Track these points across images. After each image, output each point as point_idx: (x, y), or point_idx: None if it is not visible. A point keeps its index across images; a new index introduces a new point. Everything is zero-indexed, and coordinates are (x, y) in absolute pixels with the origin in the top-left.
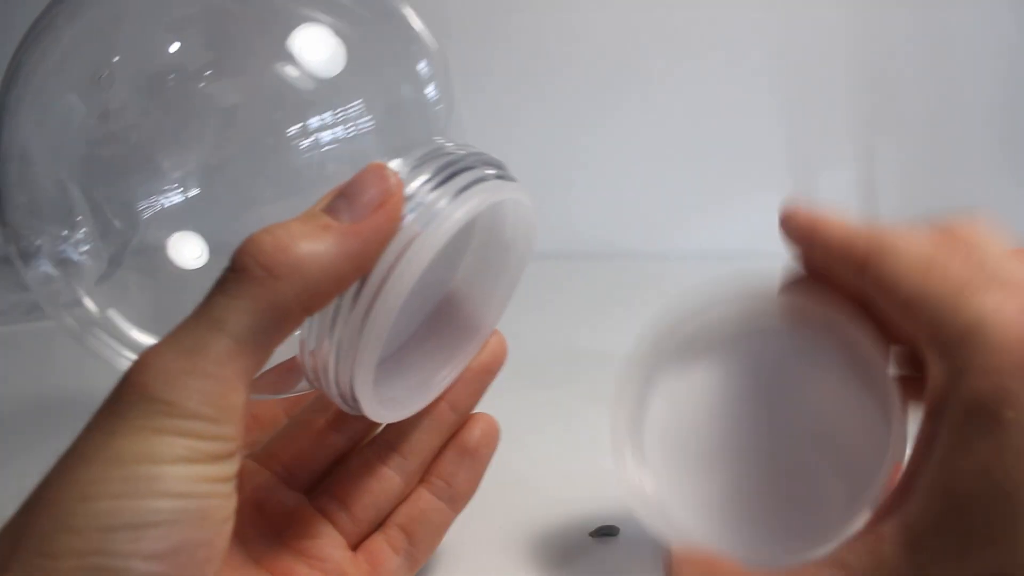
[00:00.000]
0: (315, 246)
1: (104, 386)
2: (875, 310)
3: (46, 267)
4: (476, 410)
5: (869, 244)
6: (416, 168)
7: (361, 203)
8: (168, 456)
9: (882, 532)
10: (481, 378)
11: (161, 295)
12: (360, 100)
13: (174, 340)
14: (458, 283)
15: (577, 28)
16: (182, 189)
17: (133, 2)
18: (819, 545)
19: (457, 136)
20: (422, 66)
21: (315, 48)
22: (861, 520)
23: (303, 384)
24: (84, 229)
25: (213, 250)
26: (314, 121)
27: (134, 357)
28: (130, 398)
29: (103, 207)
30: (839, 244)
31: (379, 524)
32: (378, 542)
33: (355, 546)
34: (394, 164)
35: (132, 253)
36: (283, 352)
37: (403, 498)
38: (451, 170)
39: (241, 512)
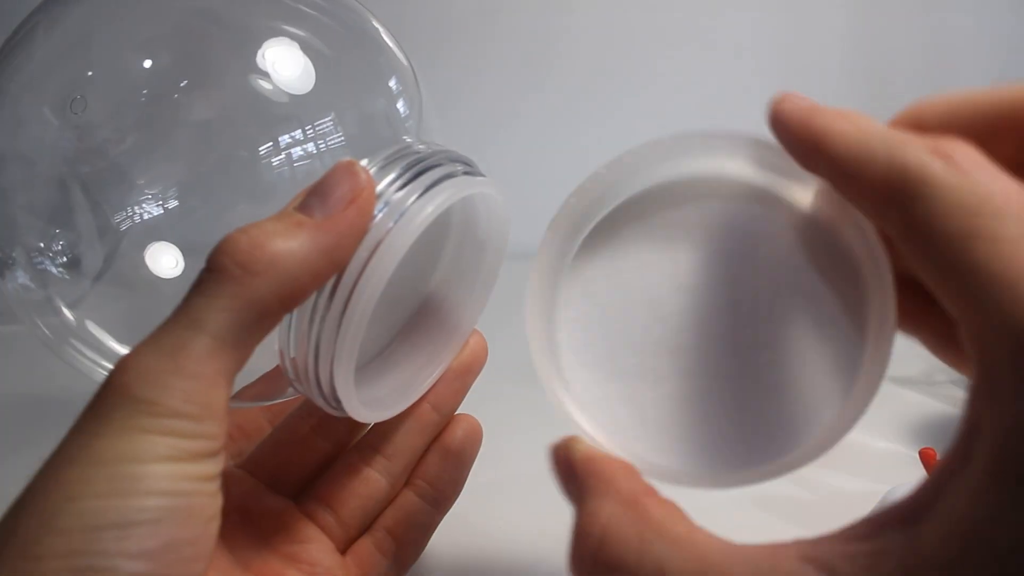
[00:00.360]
0: (289, 243)
1: (90, 388)
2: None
3: (23, 279)
4: (479, 411)
5: (898, 172)
6: (384, 167)
7: (333, 199)
8: (152, 455)
9: (884, 546)
10: (463, 378)
11: (139, 306)
12: (331, 115)
13: (154, 341)
14: (437, 284)
15: (576, 28)
16: (158, 202)
17: (107, 19)
18: (764, 466)
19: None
20: (392, 82)
21: (287, 64)
22: (816, 448)
23: (288, 391)
24: (62, 241)
25: (190, 261)
26: (285, 137)
27: (111, 368)
28: (113, 399)
29: (80, 220)
30: (854, 164)
31: (366, 527)
32: (366, 545)
33: (343, 549)
34: (363, 163)
35: (110, 265)
36: (268, 362)
37: (389, 500)
38: (419, 167)
39: (228, 518)
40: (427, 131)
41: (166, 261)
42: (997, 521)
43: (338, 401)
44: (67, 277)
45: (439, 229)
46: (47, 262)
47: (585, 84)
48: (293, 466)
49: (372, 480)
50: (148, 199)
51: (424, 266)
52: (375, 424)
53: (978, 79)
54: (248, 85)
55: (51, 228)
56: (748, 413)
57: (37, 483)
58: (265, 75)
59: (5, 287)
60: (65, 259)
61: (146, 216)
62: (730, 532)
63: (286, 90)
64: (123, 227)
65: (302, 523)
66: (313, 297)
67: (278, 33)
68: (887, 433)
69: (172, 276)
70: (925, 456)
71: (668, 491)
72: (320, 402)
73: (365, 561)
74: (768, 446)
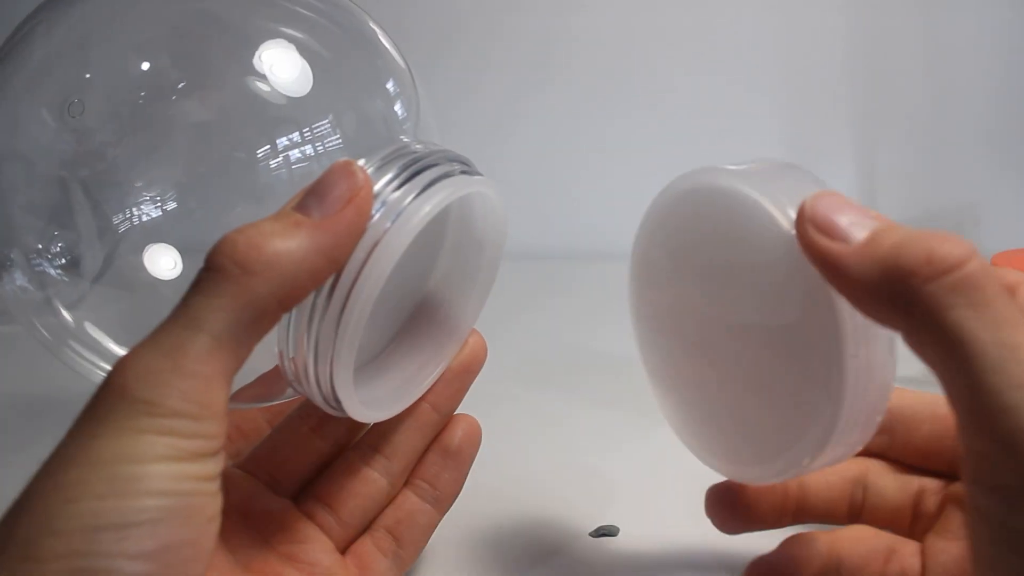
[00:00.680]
0: (288, 242)
1: (89, 388)
2: None
3: (21, 280)
4: (478, 410)
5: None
6: (381, 167)
7: (331, 199)
8: (151, 455)
9: None
10: (462, 378)
11: (137, 307)
12: (329, 117)
13: (153, 341)
14: (435, 284)
15: (577, 29)
16: (157, 204)
17: (105, 21)
18: (759, 465)
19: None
20: (390, 84)
21: (285, 66)
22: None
23: (288, 392)
24: (60, 243)
25: (188, 262)
26: (283, 139)
27: (110, 369)
28: (111, 399)
29: (78, 221)
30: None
31: (366, 527)
32: (366, 545)
33: (343, 549)
34: (360, 163)
35: (108, 267)
36: (266, 363)
37: (389, 500)
38: (416, 167)
39: (228, 519)
40: (425, 133)
41: (164, 262)
42: None
43: (337, 401)
44: (65, 279)
45: (437, 228)
46: (45, 264)
47: (586, 85)
48: (292, 466)
49: (372, 480)
50: (146, 201)
51: (422, 266)
52: (374, 424)
53: (979, 79)
54: (246, 87)
55: (49, 230)
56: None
57: (36, 484)
58: (263, 77)
59: (3, 288)
60: (63, 261)
61: (144, 218)
62: None
63: (284, 92)
64: (121, 228)
65: (301, 523)
66: (311, 297)
67: (276, 35)
68: None
69: (171, 277)
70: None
71: None
72: (319, 402)
73: (365, 561)
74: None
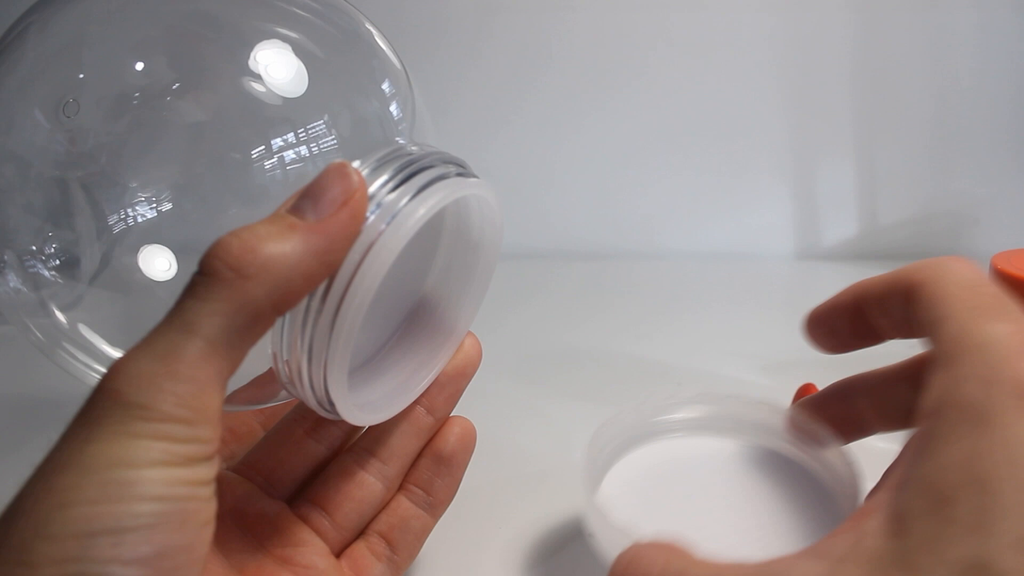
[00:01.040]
0: (282, 245)
1: (82, 390)
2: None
3: (14, 282)
4: (473, 411)
5: (917, 273)
6: (377, 169)
7: (325, 201)
8: (145, 460)
9: (866, 527)
10: (457, 381)
11: (132, 309)
12: (324, 118)
13: (147, 345)
14: (431, 286)
15: (571, 28)
16: (151, 205)
17: (99, 21)
18: None
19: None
20: (386, 85)
21: (280, 67)
22: None
23: (281, 395)
24: (54, 244)
25: (183, 264)
26: (278, 140)
27: (104, 372)
28: (105, 404)
29: (72, 222)
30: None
31: (361, 530)
32: (360, 549)
33: (338, 553)
34: (355, 165)
35: (102, 268)
36: (259, 366)
37: (384, 503)
38: (411, 169)
39: (222, 523)
40: (421, 134)
41: (159, 264)
42: None
43: (332, 404)
44: (59, 280)
45: (432, 230)
46: (39, 265)
47: (580, 85)
48: (287, 469)
49: (367, 483)
50: (141, 202)
51: (418, 268)
52: (369, 427)
53: (979, 79)
54: (241, 88)
55: (43, 231)
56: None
57: (29, 488)
58: (258, 78)
59: None
60: (57, 262)
61: (139, 219)
62: None
63: (279, 93)
64: (116, 230)
65: (296, 526)
66: (306, 300)
67: (271, 36)
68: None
69: (165, 279)
70: (804, 391)
71: None
72: (314, 405)
73: (359, 565)
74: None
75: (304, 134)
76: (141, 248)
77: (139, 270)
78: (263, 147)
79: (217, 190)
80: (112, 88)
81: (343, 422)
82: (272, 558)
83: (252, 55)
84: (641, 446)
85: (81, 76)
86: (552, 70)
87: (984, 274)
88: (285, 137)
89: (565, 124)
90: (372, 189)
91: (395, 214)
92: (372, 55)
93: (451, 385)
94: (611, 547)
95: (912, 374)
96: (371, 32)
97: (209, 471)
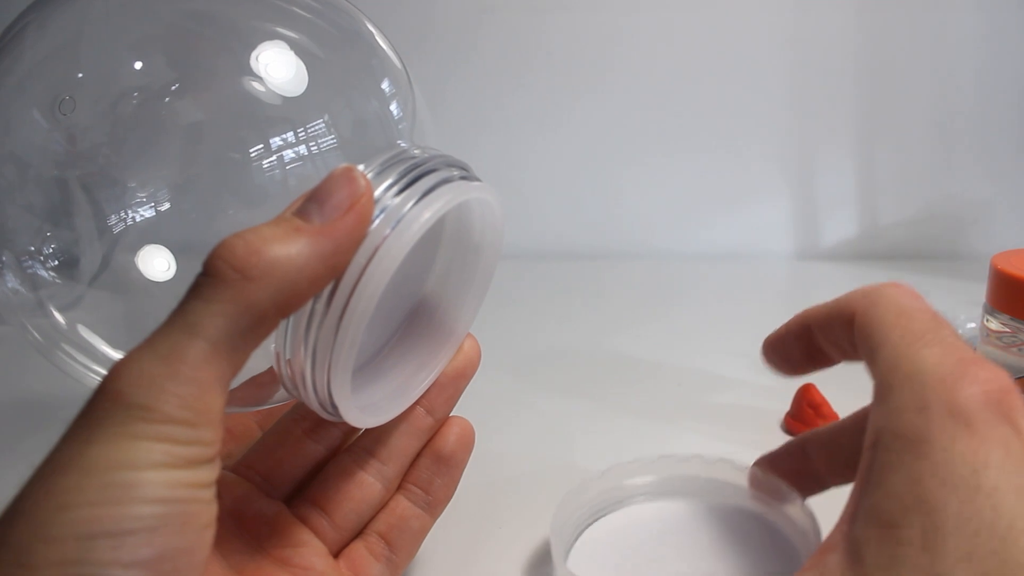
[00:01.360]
0: (287, 248)
1: (82, 391)
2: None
3: (13, 282)
4: (472, 412)
5: (855, 302)
6: (381, 172)
7: (331, 205)
8: (146, 462)
9: (827, 562)
10: (456, 383)
11: (131, 309)
12: (324, 118)
13: (149, 346)
14: (431, 288)
15: (565, 27)
16: (150, 205)
17: (98, 20)
18: None
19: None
20: (385, 84)
21: (279, 66)
22: None
23: (280, 395)
24: (52, 244)
25: (182, 264)
26: (278, 139)
27: (104, 372)
28: (106, 405)
29: (71, 222)
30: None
31: (360, 531)
32: (359, 549)
33: (336, 553)
34: (360, 168)
35: (101, 268)
36: (258, 365)
37: (383, 503)
38: (416, 173)
39: (221, 523)
40: (421, 133)
41: (158, 264)
42: None
43: (334, 406)
44: (58, 280)
45: (435, 233)
46: (37, 265)
47: (578, 84)
48: (286, 469)
49: (366, 484)
50: (140, 202)
51: (419, 270)
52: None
53: (980, 79)
54: (240, 87)
55: (41, 231)
56: None
57: (29, 490)
58: (257, 77)
59: None
60: (56, 262)
61: (138, 219)
62: None
63: (279, 92)
64: (115, 230)
65: (295, 527)
66: (310, 303)
67: (271, 35)
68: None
69: (164, 279)
70: (804, 391)
71: None
72: (315, 407)
73: (358, 565)
74: None
75: (304, 133)
76: (140, 248)
77: (138, 270)
78: (262, 146)
79: (217, 190)
80: (111, 87)
81: (342, 422)
82: (270, 559)
83: (252, 54)
84: (608, 513)
85: (80, 75)
86: (549, 69)
87: (920, 299)
88: (285, 136)
89: (564, 124)
90: (377, 193)
91: (400, 218)
92: (372, 54)
93: (451, 386)
94: None
95: (862, 426)
96: (371, 31)
97: (210, 473)
